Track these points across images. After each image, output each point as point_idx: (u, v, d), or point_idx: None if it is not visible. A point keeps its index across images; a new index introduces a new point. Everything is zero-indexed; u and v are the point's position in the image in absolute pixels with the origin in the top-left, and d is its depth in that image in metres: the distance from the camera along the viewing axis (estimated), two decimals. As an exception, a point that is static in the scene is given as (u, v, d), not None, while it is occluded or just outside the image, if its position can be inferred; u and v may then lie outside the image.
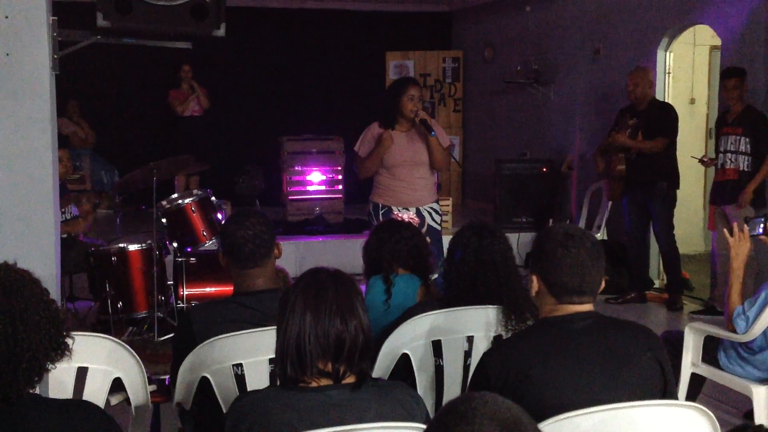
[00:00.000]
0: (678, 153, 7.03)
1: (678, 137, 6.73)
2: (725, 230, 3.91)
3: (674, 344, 4.00)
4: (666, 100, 7.43)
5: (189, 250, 5.77)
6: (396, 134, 5.16)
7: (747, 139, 6.03)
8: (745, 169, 6.04)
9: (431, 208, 5.29)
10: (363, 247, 3.66)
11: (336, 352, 1.99)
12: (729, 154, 6.13)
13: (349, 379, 2.02)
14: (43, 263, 2.85)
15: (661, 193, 6.61)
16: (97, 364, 2.83)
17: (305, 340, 1.98)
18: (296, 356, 1.99)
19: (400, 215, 5.10)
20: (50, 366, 1.89)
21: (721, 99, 6.71)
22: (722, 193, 6.22)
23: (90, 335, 2.89)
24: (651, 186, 6.59)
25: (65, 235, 5.73)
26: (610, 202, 7.51)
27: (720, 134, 6.27)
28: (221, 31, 3.55)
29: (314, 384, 2.00)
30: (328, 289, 2.01)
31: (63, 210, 5.87)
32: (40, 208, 2.94)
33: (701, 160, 6.56)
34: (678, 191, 6.80)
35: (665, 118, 6.61)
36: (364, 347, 2.02)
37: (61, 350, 1.90)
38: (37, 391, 1.91)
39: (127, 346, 2.88)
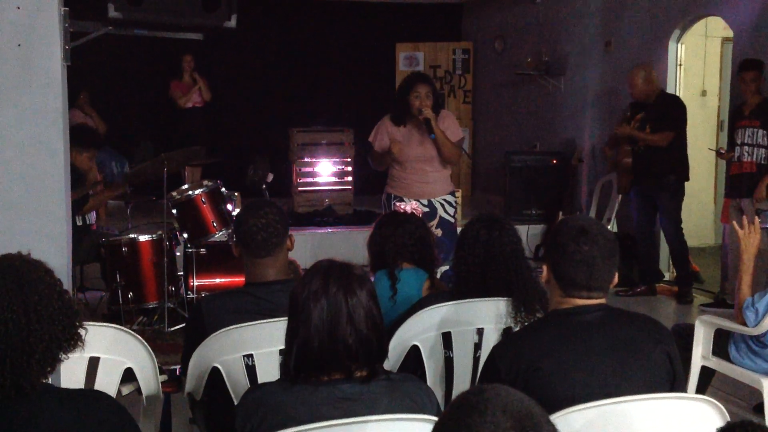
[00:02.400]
0: (690, 145, 6.98)
1: (689, 129, 6.69)
2: (734, 222, 3.89)
3: (684, 337, 3.99)
4: (677, 92, 7.40)
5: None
6: (406, 130, 5.17)
7: (764, 132, 5.99)
8: (763, 162, 6.01)
9: (444, 200, 5.29)
10: (367, 241, 3.66)
11: (348, 355, 1.99)
12: (746, 147, 6.09)
13: (361, 373, 2.02)
14: (55, 254, 2.86)
15: (668, 186, 6.58)
16: (108, 354, 2.84)
17: (316, 347, 1.98)
18: (307, 362, 1.99)
19: (402, 207, 5.11)
20: (63, 356, 1.90)
21: (734, 91, 6.67)
22: (739, 187, 6.17)
23: (102, 325, 2.90)
24: (659, 179, 6.57)
25: (81, 223, 5.76)
26: (620, 195, 7.49)
27: (736, 127, 6.22)
28: (232, 23, 3.56)
29: (325, 378, 2.01)
30: (339, 293, 2.00)
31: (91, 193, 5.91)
32: (52, 198, 2.95)
33: (718, 152, 6.51)
34: (688, 184, 6.76)
35: (672, 112, 6.57)
36: (376, 349, 2.02)
37: (74, 341, 1.90)
38: (50, 380, 1.92)
39: (139, 336, 2.89)
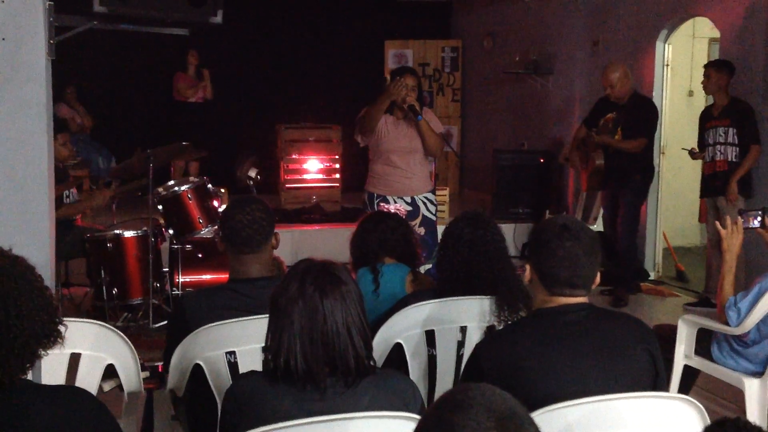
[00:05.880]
0: (676, 146, 7.00)
1: (675, 129, 6.72)
2: (717, 223, 3.91)
3: (667, 337, 4.00)
4: (664, 92, 7.43)
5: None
6: (392, 121, 5.18)
7: (734, 130, 6.07)
8: (734, 160, 6.08)
9: (426, 198, 5.29)
10: (350, 239, 3.67)
11: (333, 364, 1.99)
12: (719, 146, 6.17)
13: (347, 374, 2.01)
14: (38, 249, 2.84)
15: (633, 185, 6.62)
16: (89, 350, 2.83)
17: (299, 360, 1.97)
18: (290, 371, 1.99)
19: (386, 207, 5.14)
20: (42, 353, 1.89)
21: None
22: (713, 185, 6.23)
23: (83, 321, 2.89)
24: (625, 177, 6.60)
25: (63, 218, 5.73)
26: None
27: (706, 128, 6.30)
28: (218, 18, 3.56)
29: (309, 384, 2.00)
30: (315, 295, 1.98)
31: (67, 194, 5.85)
32: (35, 194, 2.93)
33: (691, 152, 6.53)
34: (675, 183, 6.79)
35: (646, 118, 6.60)
36: (360, 349, 2.01)
37: (53, 337, 1.90)
38: (30, 376, 1.91)
39: (120, 333, 2.89)
